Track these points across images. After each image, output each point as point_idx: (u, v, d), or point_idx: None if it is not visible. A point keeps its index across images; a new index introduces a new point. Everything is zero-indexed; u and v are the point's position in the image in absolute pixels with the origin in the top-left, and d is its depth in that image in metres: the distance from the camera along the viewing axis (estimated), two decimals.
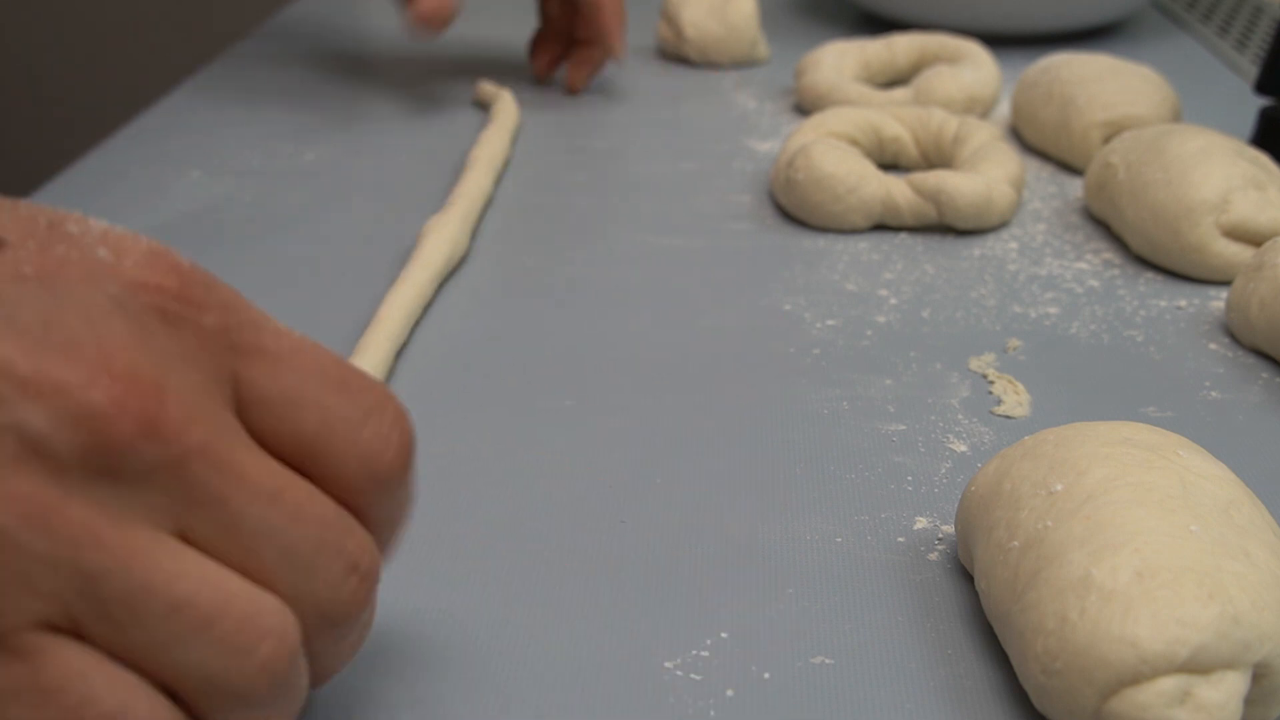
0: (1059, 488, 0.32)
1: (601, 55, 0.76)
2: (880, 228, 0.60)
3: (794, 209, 0.61)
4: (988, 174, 0.59)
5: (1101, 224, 0.61)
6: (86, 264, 0.24)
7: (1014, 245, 0.59)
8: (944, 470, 0.42)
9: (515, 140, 0.70)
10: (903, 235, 0.60)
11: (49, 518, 0.22)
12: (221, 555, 0.24)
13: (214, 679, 0.23)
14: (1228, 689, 0.29)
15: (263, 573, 0.24)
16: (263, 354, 0.26)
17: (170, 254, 0.25)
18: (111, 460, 0.22)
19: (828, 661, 0.33)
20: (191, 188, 0.65)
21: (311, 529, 0.25)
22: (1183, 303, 0.53)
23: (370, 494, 0.26)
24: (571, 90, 0.77)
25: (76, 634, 0.23)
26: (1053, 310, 0.53)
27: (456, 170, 0.68)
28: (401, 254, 0.58)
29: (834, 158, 0.59)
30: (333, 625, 0.25)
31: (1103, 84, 0.67)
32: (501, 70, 0.82)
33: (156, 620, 0.23)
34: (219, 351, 0.25)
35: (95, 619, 0.22)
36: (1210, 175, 0.54)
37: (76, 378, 0.22)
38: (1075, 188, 0.65)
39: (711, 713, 0.32)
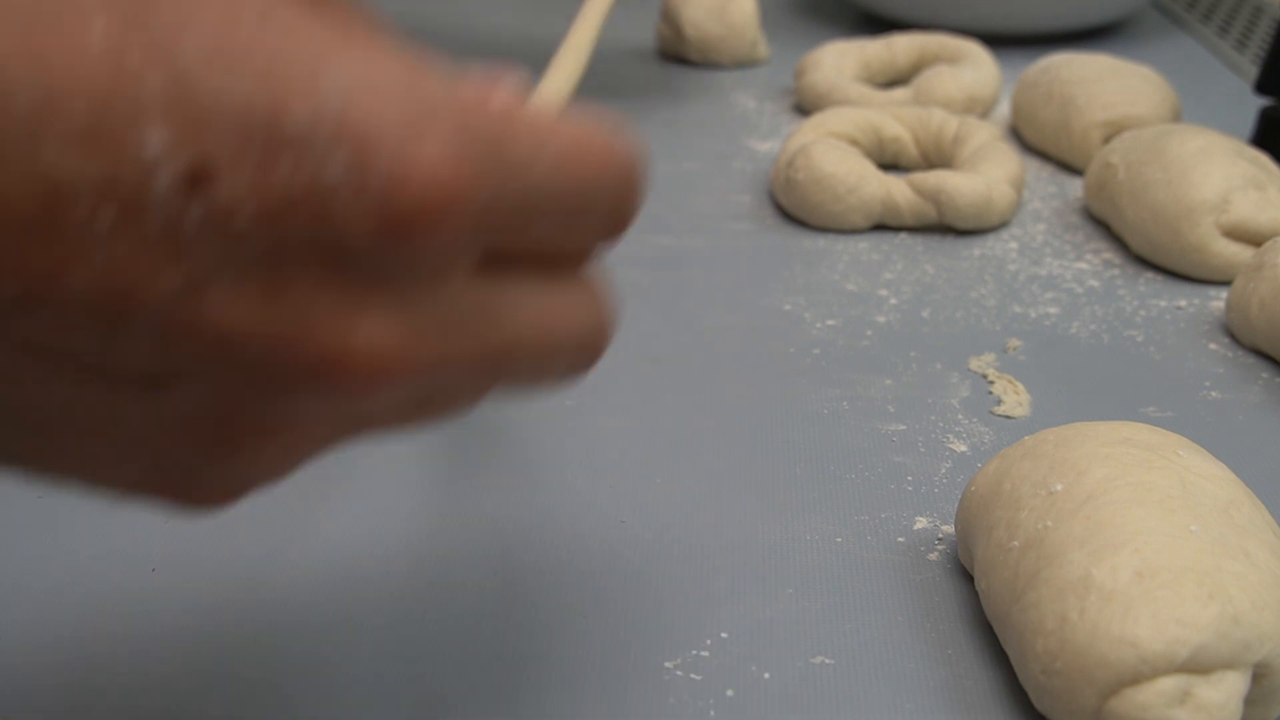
0: (1059, 488, 0.32)
1: None
2: (880, 228, 0.60)
3: (794, 209, 0.61)
4: (988, 174, 0.59)
5: (1101, 224, 0.60)
6: (315, 193, 0.19)
7: (1014, 245, 0.59)
8: (944, 470, 0.42)
9: None
10: (903, 235, 0.60)
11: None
12: None
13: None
14: (1228, 689, 0.29)
15: None
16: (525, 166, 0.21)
17: (434, 128, 0.20)
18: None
19: (828, 661, 0.33)
20: None
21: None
22: (1183, 303, 0.53)
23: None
24: None
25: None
26: (1053, 310, 0.53)
27: None
28: None
29: (834, 158, 0.59)
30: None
31: (1103, 84, 0.67)
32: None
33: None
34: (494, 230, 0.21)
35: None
36: (1210, 175, 0.54)
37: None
38: (1075, 188, 0.65)
39: (711, 713, 0.32)
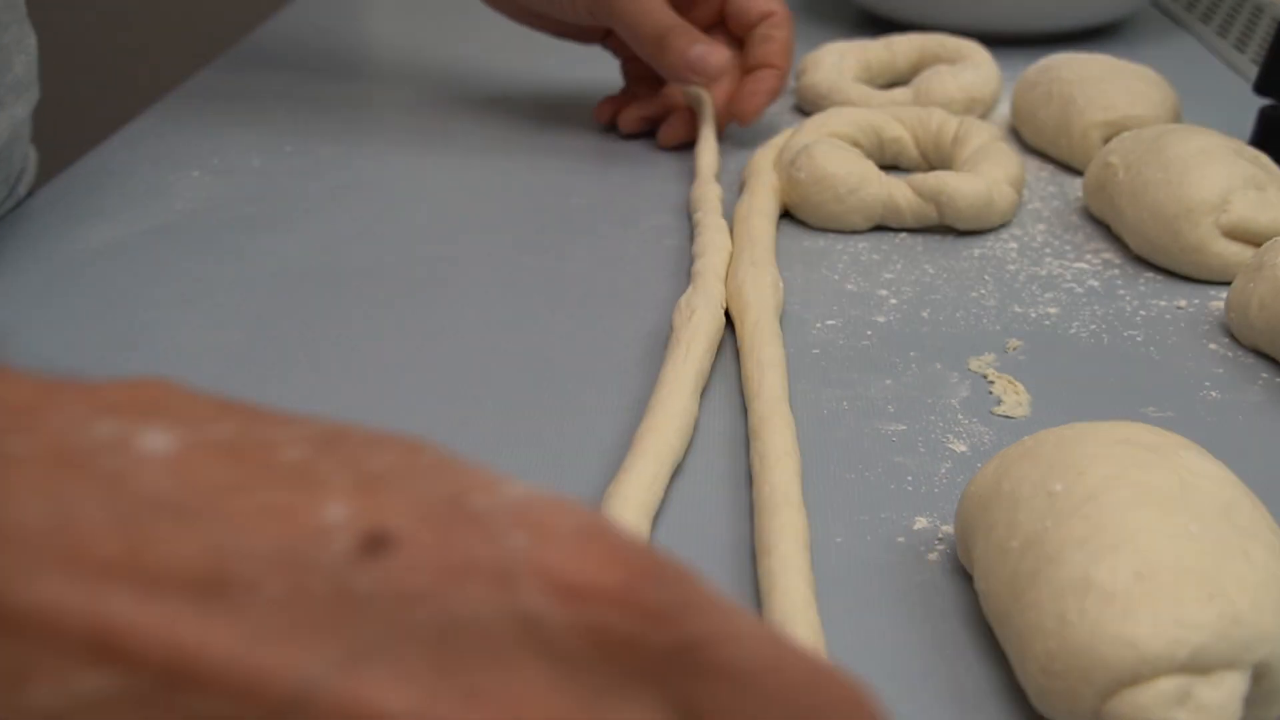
0: (1058, 488, 0.32)
1: (773, 82, 0.68)
2: (880, 228, 0.60)
3: (794, 209, 0.61)
4: (988, 174, 0.59)
5: (1101, 224, 0.60)
6: (496, 561, 0.18)
7: (1014, 245, 0.59)
8: (944, 470, 0.42)
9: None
10: (903, 235, 0.60)
11: None
12: None
13: None
14: (1227, 690, 0.29)
15: None
16: (727, 675, 0.19)
17: (608, 533, 0.19)
18: None
19: None
20: (191, 188, 0.65)
21: None
22: (1182, 303, 0.53)
23: None
24: (745, 120, 0.68)
25: None
26: (1053, 310, 0.53)
27: (456, 168, 0.68)
28: (405, 257, 0.58)
29: (836, 158, 0.59)
30: None
31: (1103, 84, 0.67)
32: (493, 70, 0.82)
33: None
34: (668, 676, 0.19)
35: None
36: (1210, 175, 0.54)
37: None
38: (1075, 188, 0.65)
39: None
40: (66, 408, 0.18)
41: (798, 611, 0.33)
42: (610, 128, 0.72)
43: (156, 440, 0.18)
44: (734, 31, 0.69)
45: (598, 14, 0.63)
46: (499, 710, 0.17)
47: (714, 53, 0.63)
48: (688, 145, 0.68)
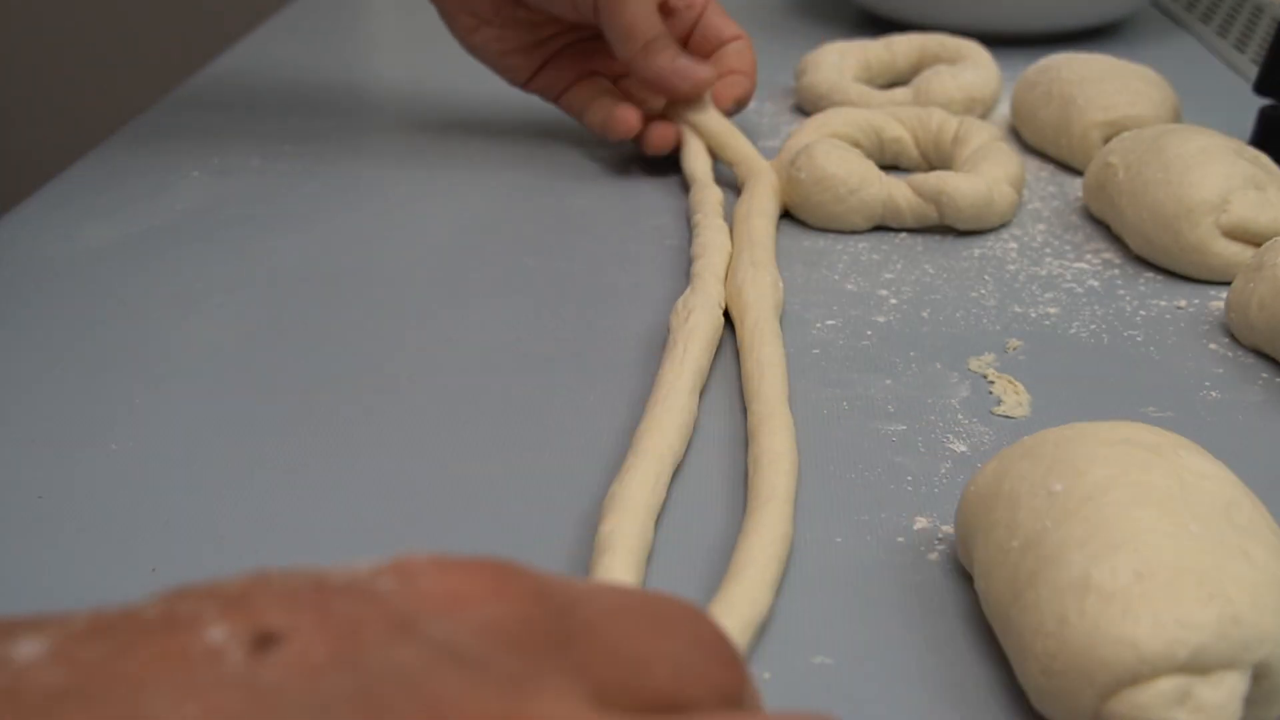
0: (1058, 488, 0.32)
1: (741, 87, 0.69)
2: (880, 228, 0.60)
3: (794, 209, 0.61)
4: (988, 174, 0.59)
5: (1101, 224, 0.60)
6: (378, 607, 0.19)
7: (1014, 245, 0.59)
8: (944, 470, 0.42)
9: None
10: (903, 235, 0.60)
11: None
12: None
13: None
14: (1227, 690, 0.29)
15: None
16: (591, 630, 0.22)
17: (454, 555, 0.21)
18: None
19: (828, 661, 0.33)
20: (191, 188, 0.65)
21: None
22: (1182, 303, 0.53)
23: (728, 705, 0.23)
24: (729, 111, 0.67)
25: None
26: (1053, 310, 0.53)
27: (456, 169, 0.68)
28: (405, 257, 0.58)
29: (836, 158, 0.59)
30: None
31: (1103, 84, 0.67)
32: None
33: None
34: (564, 650, 0.21)
35: None
36: (1210, 175, 0.54)
37: None
38: (1075, 188, 0.65)
39: None
40: None
41: (746, 594, 0.34)
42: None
43: (29, 646, 0.19)
44: (700, 54, 0.71)
45: (582, 9, 0.64)
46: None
47: (701, 67, 0.66)
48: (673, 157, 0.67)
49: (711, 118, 0.66)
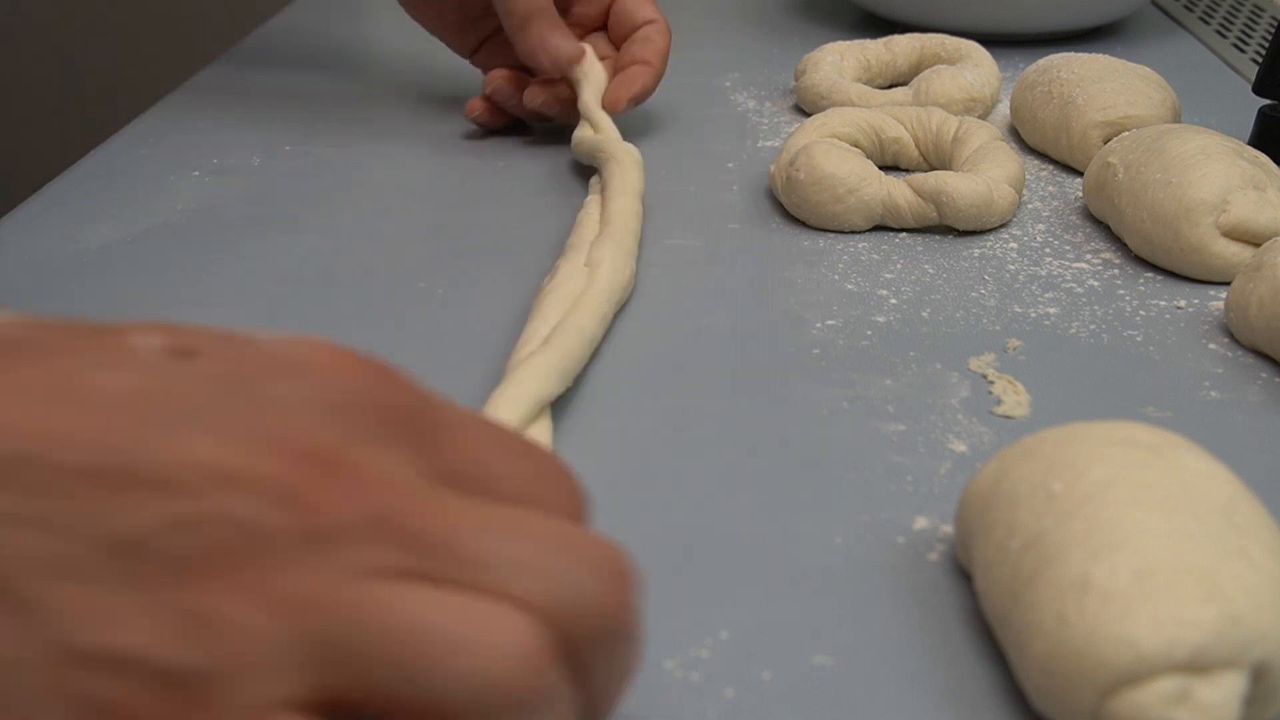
0: (1058, 488, 0.32)
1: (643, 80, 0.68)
2: (880, 228, 0.60)
3: (794, 209, 0.61)
4: (988, 174, 0.59)
5: (1101, 224, 0.61)
6: (284, 356, 0.25)
7: (1014, 245, 0.59)
8: (944, 470, 0.42)
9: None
10: (903, 235, 0.60)
11: (279, 599, 0.22)
12: (454, 588, 0.23)
13: (466, 704, 0.22)
14: (1227, 689, 0.29)
15: (500, 594, 0.23)
16: (453, 432, 0.26)
17: (353, 348, 0.26)
18: (317, 528, 0.22)
19: (828, 662, 0.33)
20: (191, 188, 0.65)
21: (536, 540, 0.24)
22: (1182, 303, 0.53)
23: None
24: (612, 112, 0.66)
25: (320, 704, 0.22)
26: (1052, 310, 0.53)
27: (455, 169, 0.68)
28: (404, 255, 0.58)
29: (836, 158, 0.59)
30: (590, 634, 0.24)
31: (1103, 84, 0.67)
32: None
33: (399, 661, 0.22)
34: (415, 433, 0.25)
35: (337, 679, 0.22)
36: (1209, 175, 0.54)
37: (272, 463, 0.23)
38: (1075, 188, 0.65)
39: (711, 713, 0.32)
40: None
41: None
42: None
43: (3, 314, 0.25)
44: (615, 36, 0.71)
45: None
46: (285, 443, 0.23)
47: (568, 44, 0.65)
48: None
49: (586, 99, 0.66)
